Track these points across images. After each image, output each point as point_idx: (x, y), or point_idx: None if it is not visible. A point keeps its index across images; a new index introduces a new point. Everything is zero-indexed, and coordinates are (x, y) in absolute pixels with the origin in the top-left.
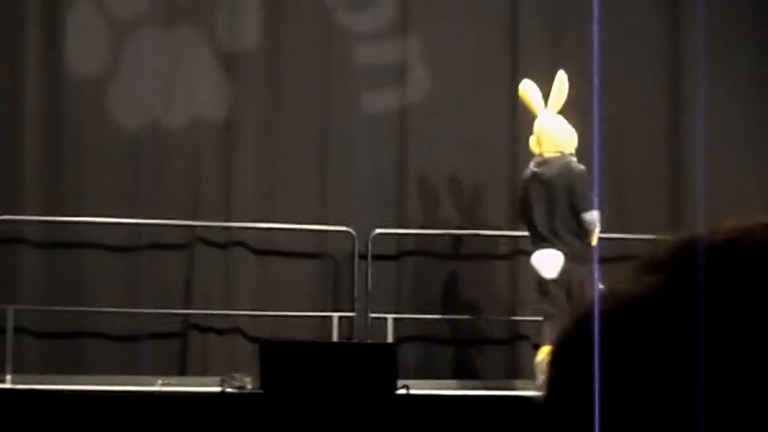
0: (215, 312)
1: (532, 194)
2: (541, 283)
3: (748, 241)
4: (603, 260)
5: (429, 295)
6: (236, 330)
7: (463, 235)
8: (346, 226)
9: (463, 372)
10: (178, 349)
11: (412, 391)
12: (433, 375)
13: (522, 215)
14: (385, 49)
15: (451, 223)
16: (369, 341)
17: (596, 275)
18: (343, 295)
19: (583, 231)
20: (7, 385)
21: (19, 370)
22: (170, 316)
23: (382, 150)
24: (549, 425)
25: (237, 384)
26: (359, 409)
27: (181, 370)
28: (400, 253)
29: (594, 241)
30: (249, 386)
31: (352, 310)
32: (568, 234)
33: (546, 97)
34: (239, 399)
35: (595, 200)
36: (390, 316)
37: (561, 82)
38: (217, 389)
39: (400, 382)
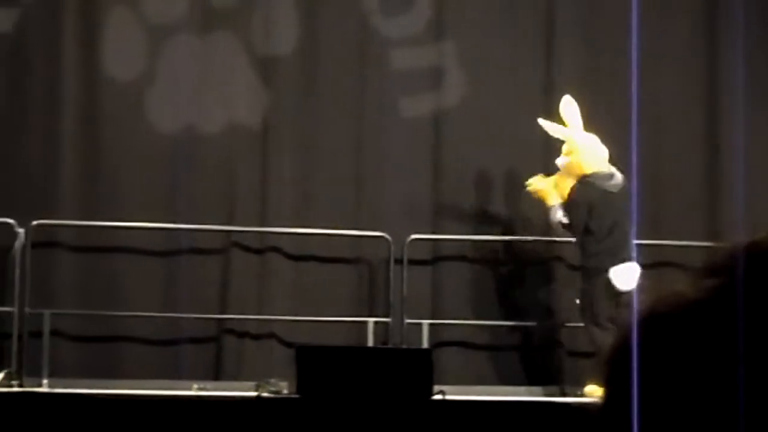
0: (251, 317)
1: (612, 209)
2: (617, 294)
3: None
4: (640, 267)
5: (464, 300)
6: (271, 335)
7: (499, 240)
8: (382, 231)
9: (498, 377)
10: (214, 353)
11: (448, 397)
12: (469, 380)
13: (579, 228)
14: (420, 53)
15: (487, 229)
16: (405, 346)
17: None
18: (378, 300)
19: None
20: (44, 389)
21: (55, 374)
22: (206, 321)
23: (418, 155)
24: (608, 426)
25: (272, 389)
26: (394, 414)
27: (217, 375)
28: (435, 258)
29: None
30: (284, 391)
31: (387, 316)
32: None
33: (582, 107)
34: (275, 404)
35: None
36: (425, 322)
37: (565, 106)
38: (253, 394)
39: (435, 388)
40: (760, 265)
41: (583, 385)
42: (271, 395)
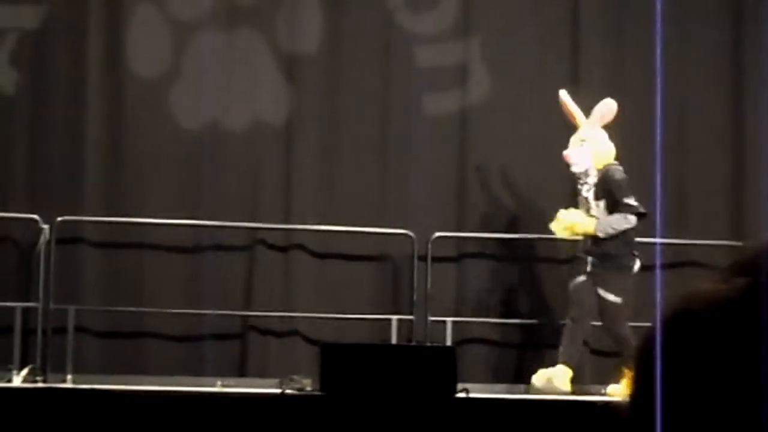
0: (275, 314)
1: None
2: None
3: None
4: (665, 266)
5: (488, 298)
6: (295, 332)
7: (523, 238)
8: (406, 228)
9: (522, 375)
10: (238, 350)
11: (472, 395)
12: (493, 378)
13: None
14: (445, 50)
15: (512, 226)
16: (428, 344)
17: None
18: (402, 298)
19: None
20: (68, 385)
21: (79, 370)
22: (230, 318)
23: (443, 152)
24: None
25: (296, 386)
26: (418, 411)
27: (241, 372)
28: (459, 255)
29: None
30: (308, 388)
31: (411, 313)
32: None
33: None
34: (299, 400)
35: None
36: (449, 319)
37: (564, 102)
38: (277, 391)
39: (459, 385)
40: None
41: (607, 384)
42: (295, 392)
